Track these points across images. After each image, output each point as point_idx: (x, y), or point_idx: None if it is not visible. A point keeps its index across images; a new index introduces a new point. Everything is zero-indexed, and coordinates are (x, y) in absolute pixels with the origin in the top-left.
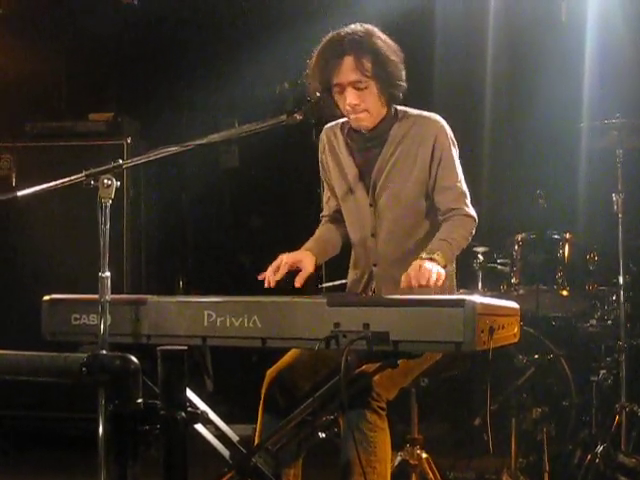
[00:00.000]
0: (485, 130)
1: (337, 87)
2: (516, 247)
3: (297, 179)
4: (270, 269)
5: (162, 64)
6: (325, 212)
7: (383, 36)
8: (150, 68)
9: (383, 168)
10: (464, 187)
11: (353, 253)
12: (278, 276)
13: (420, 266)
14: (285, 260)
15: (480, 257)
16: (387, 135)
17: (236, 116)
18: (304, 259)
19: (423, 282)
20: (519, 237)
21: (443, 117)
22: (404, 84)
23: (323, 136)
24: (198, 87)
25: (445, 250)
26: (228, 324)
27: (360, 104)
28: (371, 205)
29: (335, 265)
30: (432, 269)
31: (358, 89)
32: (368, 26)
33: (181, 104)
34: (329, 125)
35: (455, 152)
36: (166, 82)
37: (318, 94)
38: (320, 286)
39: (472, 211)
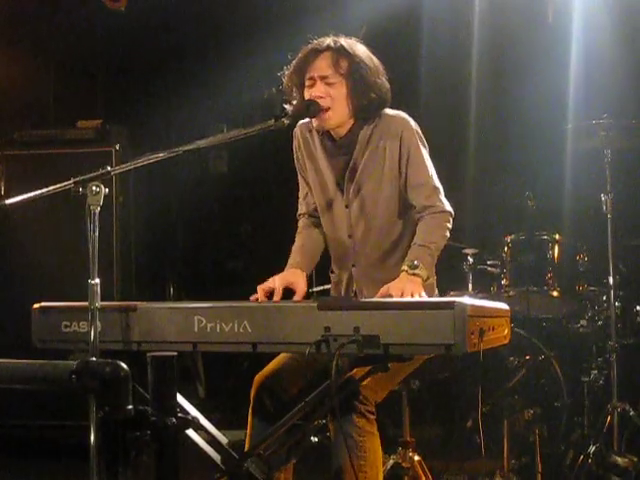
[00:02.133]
0: (471, 131)
1: (309, 81)
2: (506, 249)
3: (286, 184)
4: (261, 291)
5: (150, 71)
6: (302, 210)
7: (367, 50)
8: (138, 75)
9: (356, 169)
10: (436, 182)
11: (332, 255)
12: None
13: (402, 292)
14: (278, 285)
15: (470, 259)
16: (356, 139)
17: (225, 121)
18: (296, 280)
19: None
20: (509, 239)
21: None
22: (377, 99)
23: (297, 132)
24: (187, 93)
25: (426, 259)
26: (218, 329)
27: (325, 98)
28: (347, 207)
29: (325, 267)
30: (411, 294)
31: (328, 84)
32: (354, 39)
33: (170, 110)
34: (303, 122)
35: (423, 148)
36: (154, 88)
37: (294, 90)
38: (310, 290)
39: (447, 205)
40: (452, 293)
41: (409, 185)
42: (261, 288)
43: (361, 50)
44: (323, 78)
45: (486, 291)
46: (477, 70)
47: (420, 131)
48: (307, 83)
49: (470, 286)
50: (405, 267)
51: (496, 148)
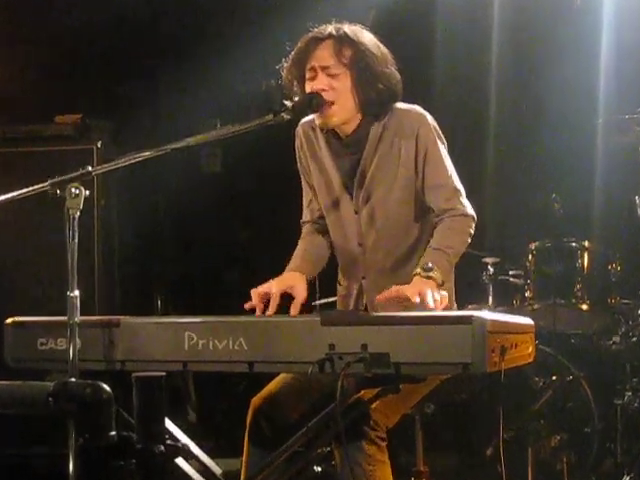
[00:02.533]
0: (492, 129)
1: (310, 73)
2: (530, 257)
3: (288, 185)
4: (256, 296)
5: (137, 61)
6: (307, 217)
7: (374, 38)
8: (123, 65)
9: (366, 172)
10: (456, 183)
11: (340, 265)
12: (271, 310)
13: (419, 291)
14: (275, 290)
15: (490, 269)
16: (366, 139)
17: (218, 116)
18: (296, 284)
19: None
20: (533, 246)
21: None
22: (386, 91)
23: (299, 131)
24: (177, 85)
25: (441, 262)
26: (211, 347)
27: (328, 91)
28: (356, 212)
29: (330, 277)
30: (428, 294)
31: (330, 75)
32: (359, 26)
33: (158, 104)
34: (306, 120)
35: (442, 145)
36: (141, 80)
37: (294, 84)
38: (314, 303)
39: (469, 208)
40: (470, 306)
41: (427, 186)
42: (256, 293)
43: (367, 37)
44: (325, 69)
45: (508, 304)
46: (497, 60)
47: (438, 127)
48: (308, 75)
49: (490, 299)
50: (418, 270)
51: (518, 146)
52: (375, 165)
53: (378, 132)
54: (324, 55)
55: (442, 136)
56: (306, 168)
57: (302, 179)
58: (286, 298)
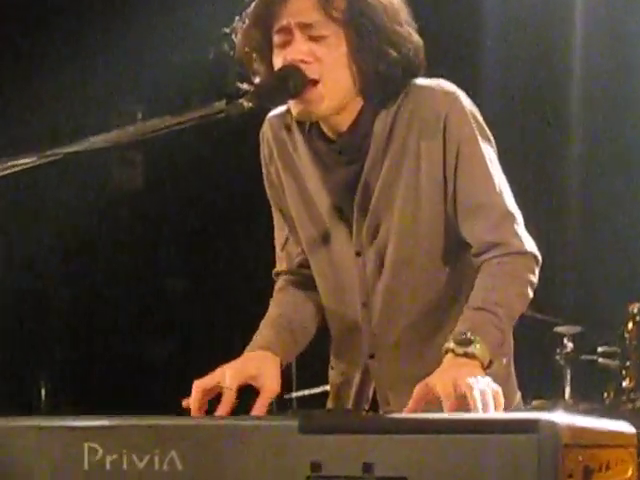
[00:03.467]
0: (570, 133)
1: (281, 35)
2: (630, 326)
3: (245, 210)
4: (200, 392)
5: (14, 24)
6: (281, 266)
7: None
8: None
9: (371, 190)
10: (508, 203)
11: (333, 338)
12: (222, 411)
13: (455, 386)
14: (229, 383)
15: (568, 344)
16: (369, 138)
17: (139, 104)
18: (262, 373)
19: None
20: (635, 309)
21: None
22: (401, 61)
23: (266, 132)
24: (74, 58)
25: (487, 330)
26: (126, 466)
27: (311, 63)
28: (358, 254)
29: (315, 353)
30: (474, 387)
31: (314, 39)
32: None
33: (45, 85)
34: (276, 113)
35: (485, 143)
36: (20, 49)
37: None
38: (287, 396)
39: (528, 243)
40: (537, 402)
41: (461, 206)
42: (200, 386)
43: None
44: (305, 28)
45: (595, 399)
46: (583, 36)
47: (478, 114)
48: (278, 39)
49: (568, 390)
50: (451, 344)
51: (610, 162)
52: (384, 179)
53: (386, 126)
54: (303, 6)
55: (486, 130)
56: (278, 189)
57: (272, 207)
58: (247, 392)
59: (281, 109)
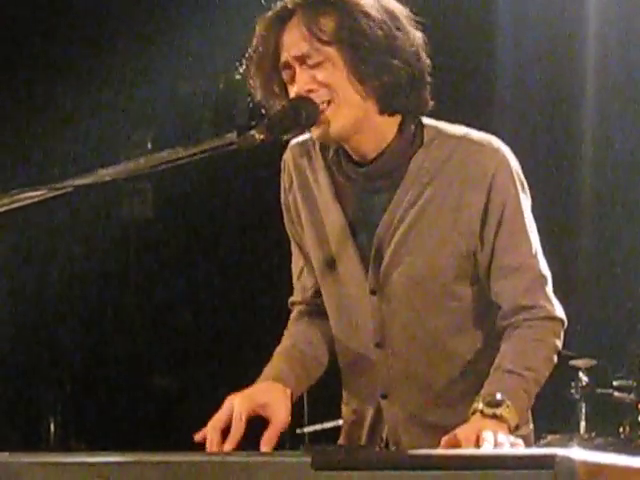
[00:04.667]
0: (586, 164)
1: (285, 72)
2: None
3: (260, 241)
4: (212, 425)
5: (20, 52)
6: (297, 296)
7: None
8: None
9: (396, 227)
10: (542, 265)
11: (344, 373)
12: (230, 443)
13: (477, 434)
14: (239, 409)
15: (583, 377)
16: (404, 168)
17: (149, 133)
18: (273, 402)
19: None
20: None
21: (511, 136)
22: (404, 69)
23: (288, 159)
24: (83, 89)
25: (517, 394)
26: None
27: (318, 90)
28: (373, 292)
29: (328, 386)
30: (493, 439)
31: (311, 67)
32: None
33: (53, 117)
34: (299, 140)
35: (526, 202)
36: (29, 80)
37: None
38: (300, 430)
39: (557, 308)
40: (552, 437)
41: (496, 267)
42: (216, 425)
43: None
44: (301, 59)
45: (611, 434)
46: (596, 56)
47: (520, 171)
48: (285, 76)
49: (583, 425)
50: (480, 405)
51: (625, 193)
52: (413, 219)
53: (427, 169)
54: (295, 37)
55: (526, 187)
56: (295, 220)
57: (290, 236)
58: (257, 423)
59: (305, 137)
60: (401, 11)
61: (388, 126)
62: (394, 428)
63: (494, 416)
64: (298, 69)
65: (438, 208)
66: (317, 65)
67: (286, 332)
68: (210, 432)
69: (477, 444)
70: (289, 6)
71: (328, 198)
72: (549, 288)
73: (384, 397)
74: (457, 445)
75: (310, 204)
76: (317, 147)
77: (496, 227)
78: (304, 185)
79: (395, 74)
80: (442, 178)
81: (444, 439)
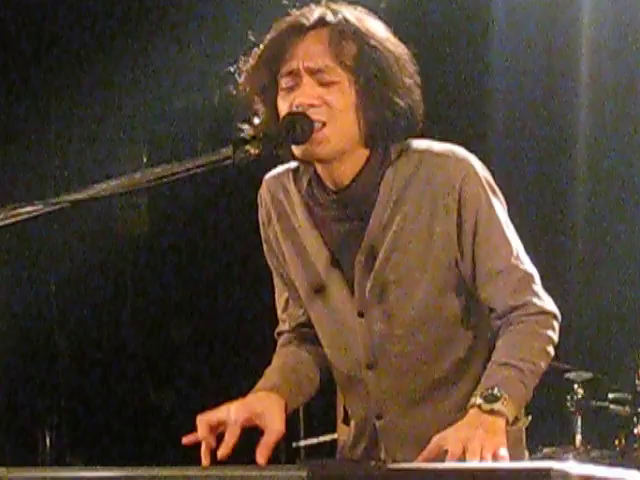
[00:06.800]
0: (579, 179)
1: (289, 79)
2: None
3: (253, 256)
4: (204, 426)
5: (19, 65)
6: (284, 326)
7: (386, 29)
8: None
9: (375, 251)
10: (526, 263)
11: (339, 394)
12: (225, 448)
13: (465, 447)
14: (234, 417)
15: (578, 390)
16: (375, 191)
17: (143, 148)
18: (268, 411)
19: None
20: None
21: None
22: (405, 112)
23: (265, 193)
24: (78, 101)
25: (514, 385)
26: None
27: (320, 106)
28: (361, 314)
29: (319, 400)
30: (473, 449)
31: (324, 84)
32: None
33: (48, 131)
34: (273, 174)
35: (499, 205)
36: (24, 94)
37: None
38: (296, 445)
39: (548, 303)
40: (547, 450)
41: (480, 274)
42: (204, 420)
43: (377, 27)
44: (315, 73)
45: (606, 446)
46: (589, 67)
47: (491, 179)
48: (285, 83)
49: (578, 437)
50: (478, 400)
51: (619, 203)
52: (391, 242)
53: (396, 189)
54: (316, 51)
55: (497, 191)
56: (277, 254)
57: (272, 271)
58: (251, 434)
59: (278, 170)
60: (411, 63)
61: (363, 152)
62: (390, 447)
63: (492, 411)
64: (307, 80)
65: (412, 225)
66: (329, 84)
67: (275, 356)
68: (204, 435)
69: (463, 456)
70: (313, 18)
71: (307, 227)
72: (537, 285)
73: (379, 417)
74: (439, 455)
75: (291, 234)
76: (291, 179)
77: (472, 235)
78: (283, 217)
79: (395, 112)
80: (412, 194)
81: (429, 446)
